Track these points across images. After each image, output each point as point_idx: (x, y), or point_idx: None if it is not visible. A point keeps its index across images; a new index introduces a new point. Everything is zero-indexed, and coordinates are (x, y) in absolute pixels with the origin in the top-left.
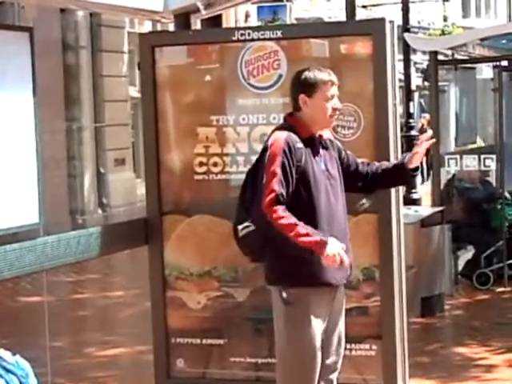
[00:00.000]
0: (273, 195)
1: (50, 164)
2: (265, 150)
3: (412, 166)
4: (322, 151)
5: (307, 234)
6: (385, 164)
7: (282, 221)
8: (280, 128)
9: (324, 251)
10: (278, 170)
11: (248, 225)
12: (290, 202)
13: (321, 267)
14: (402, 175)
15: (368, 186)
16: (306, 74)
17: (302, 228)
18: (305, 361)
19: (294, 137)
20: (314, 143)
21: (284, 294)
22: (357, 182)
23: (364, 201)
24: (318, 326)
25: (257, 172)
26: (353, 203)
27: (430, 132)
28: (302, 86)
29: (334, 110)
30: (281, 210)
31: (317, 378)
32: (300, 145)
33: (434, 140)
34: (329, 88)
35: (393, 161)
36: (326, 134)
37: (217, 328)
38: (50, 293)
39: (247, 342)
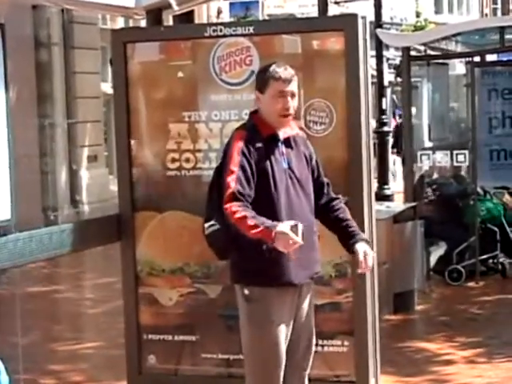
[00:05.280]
0: (229, 192)
1: (22, 161)
2: (226, 149)
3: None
4: (284, 149)
5: (255, 226)
6: (341, 215)
7: (236, 215)
8: (241, 127)
9: (272, 238)
10: (235, 169)
11: (213, 223)
12: (251, 201)
13: (283, 267)
14: (343, 244)
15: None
16: (261, 69)
17: (251, 220)
18: (267, 359)
19: (254, 136)
20: (275, 141)
21: (246, 291)
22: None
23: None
24: (280, 324)
25: (222, 171)
26: None
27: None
28: (257, 82)
29: (286, 109)
30: (235, 206)
31: (281, 375)
32: (259, 144)
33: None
34: (280, 85)
35: (351, 222)
36: (295, 130)
37: (189, 324)
38: (22, 289)
39: (219, 338)
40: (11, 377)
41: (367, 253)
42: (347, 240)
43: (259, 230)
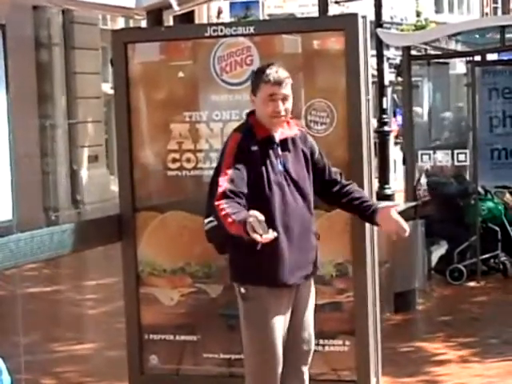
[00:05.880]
0: (220, 191)
1: (22, 161)
2: (223, 150)
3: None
4: (280, 151)
5: (232, 223)
6: (356, 195)
7: (221, 213)
8: (238, 128)
9: (245, 231)
10: (229, 171)
11: (212, 219)
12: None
13: (278, 267)
14: (366, 218)
15: (330, 200)
16: (255, 71)
17: (230, 217)
18: (264, 357)
19: (248, 139)
20: (270, 144)
21: (242, 290)
22: (321, 189)
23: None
24: (276, 323)
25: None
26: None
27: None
28: (251, 84)
29: (276, 112)
30: (222, 203)
31: (279, 373)
32: (254, 147)
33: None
34: (269, 88)
35: (366, 198)
36: (294, 130)
37: (190, 324)
38: (22, 290)
39: (220, 338)
40: (13, 376)
41: (390, 205)
42: (366, 211)
43: (234, 226)
